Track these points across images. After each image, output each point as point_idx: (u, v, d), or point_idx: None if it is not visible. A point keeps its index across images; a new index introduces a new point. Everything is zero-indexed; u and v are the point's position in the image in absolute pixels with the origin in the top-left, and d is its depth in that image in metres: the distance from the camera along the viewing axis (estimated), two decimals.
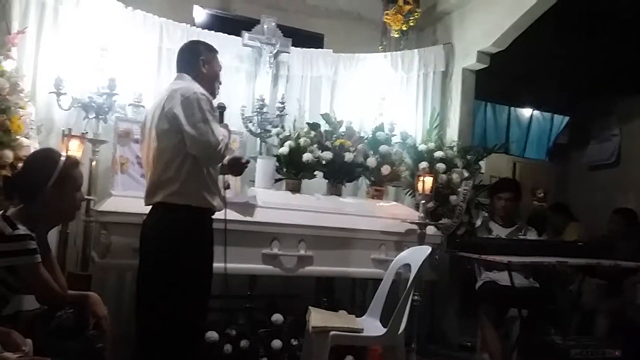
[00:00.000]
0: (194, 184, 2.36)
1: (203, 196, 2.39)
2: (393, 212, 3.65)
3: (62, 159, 2.13)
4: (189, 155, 2.34)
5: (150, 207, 2.43)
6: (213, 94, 2.58)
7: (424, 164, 3.89)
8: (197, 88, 2.41)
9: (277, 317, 3.26)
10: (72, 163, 2.19)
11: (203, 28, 4.07)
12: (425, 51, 4.55)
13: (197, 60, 2.56)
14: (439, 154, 4.02)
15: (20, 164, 2.66)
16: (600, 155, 6.40)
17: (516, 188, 4.09)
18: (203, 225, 2.44)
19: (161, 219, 2.36)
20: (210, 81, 2.59)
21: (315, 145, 3.65)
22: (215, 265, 2.53)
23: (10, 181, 2.32)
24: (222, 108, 2.58)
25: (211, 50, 2.65)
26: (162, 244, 2.35)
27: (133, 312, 2.47)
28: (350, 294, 3.87)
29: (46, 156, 2.21)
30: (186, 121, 2.30)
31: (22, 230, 1.95)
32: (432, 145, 4.11)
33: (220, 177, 2.60)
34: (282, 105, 3.98)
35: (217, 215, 2.53)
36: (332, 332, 2.68)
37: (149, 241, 2.41)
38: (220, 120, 2.53)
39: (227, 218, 2.58)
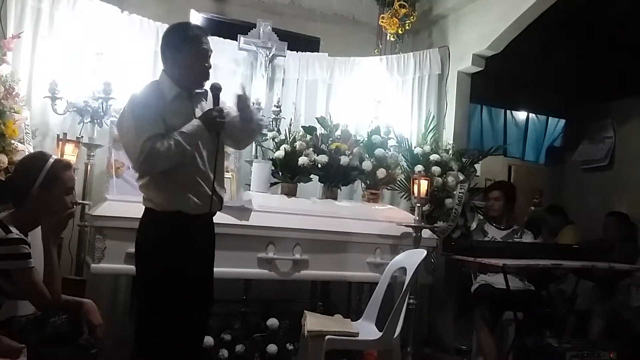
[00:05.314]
0: (151, 188, 2.26)
1: (166, 199, 2.24)
2: (388, 216, 3.65)
3: (51, 161, 2.11)
4: None
5: None
6: (194, 85, 2.36)
7: (419, 167, 3.90)
8: (142, 90, 2.32)
9: (273, 322, 3.26)
10: (62, 166, 2.16)
11: None
12: (421, 54, 4.55)
13: (163, 55, 2.36)
14: (434, 157, 4.03)
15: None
16: (591, 155, 6.36)
17: (506, 188, 4.10)
18: (170, 229, 2.24)
19: (140, 222, 2.34)
20: (185, 73, 2.32)
21: (311, 149, 3.64)
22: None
23: (1, 185, 2.31)
24: (216, 89, 2.35)
25: (181, 38, 2.31)
26: (136, 247, 2.34)
27: (128, 317, 2.46)
28: (346, 298, 3.86)
29: (35, 158, 2.20)
30: (118, 134, 2.33)
31: (15, 234, 1.94)
32: (427, 148, 4.13)
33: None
34: (278, 109, 4.00)
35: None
36: (328, 337, 2.68)
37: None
38: (216, 102, 2.35)
39: (222, 222, 2.52)
